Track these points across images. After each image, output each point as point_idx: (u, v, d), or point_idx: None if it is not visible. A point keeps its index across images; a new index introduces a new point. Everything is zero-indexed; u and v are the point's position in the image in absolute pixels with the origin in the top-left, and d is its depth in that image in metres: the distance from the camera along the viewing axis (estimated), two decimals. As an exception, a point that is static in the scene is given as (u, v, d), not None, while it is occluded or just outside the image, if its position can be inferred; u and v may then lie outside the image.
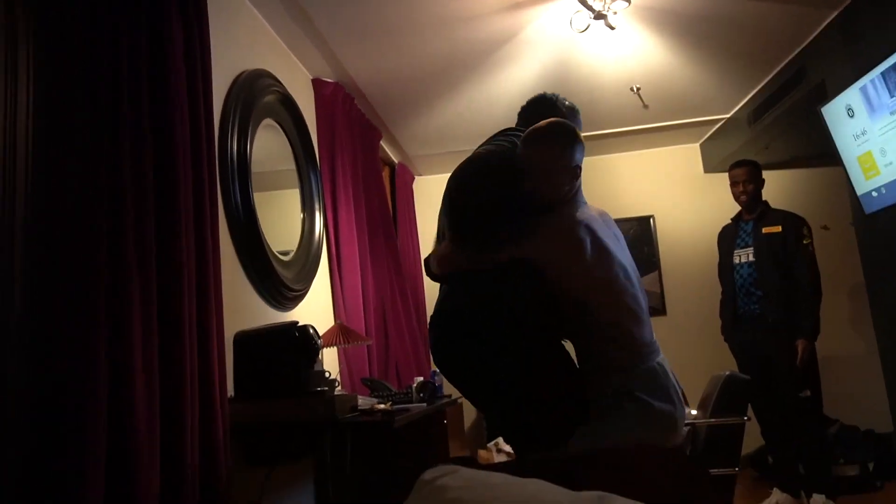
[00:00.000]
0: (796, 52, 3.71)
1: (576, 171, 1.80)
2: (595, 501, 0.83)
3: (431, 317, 1.93)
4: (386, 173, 4.75)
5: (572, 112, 2.06)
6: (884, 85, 2.86)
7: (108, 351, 1.45)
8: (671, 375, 1.84)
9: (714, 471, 2.89)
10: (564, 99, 2.08)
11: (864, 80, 2.97)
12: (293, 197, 3.10)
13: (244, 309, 2.42)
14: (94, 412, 1.37)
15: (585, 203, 1.87)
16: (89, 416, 1.36)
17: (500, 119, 4.29)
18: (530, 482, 0.91)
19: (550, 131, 1.81)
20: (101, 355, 1.43)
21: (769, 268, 3.71)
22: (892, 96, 2.83)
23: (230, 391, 2.03)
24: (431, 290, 5.11)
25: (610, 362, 1.77)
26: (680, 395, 1.83)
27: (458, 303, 1.84)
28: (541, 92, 2.11)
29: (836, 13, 3.29)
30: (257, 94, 2.65)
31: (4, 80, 1.43)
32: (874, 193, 3.11)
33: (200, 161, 1.89)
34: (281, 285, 2.65)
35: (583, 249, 1.72)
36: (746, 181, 3.86)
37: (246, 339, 2.11)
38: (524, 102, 2.13)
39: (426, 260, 2.00)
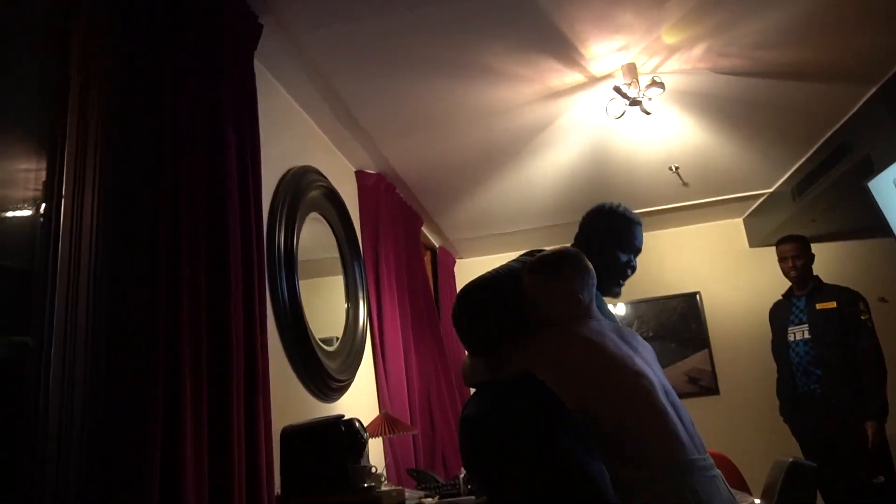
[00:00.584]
0: (837, 126, 3.70)
1: (577, 299, 1.79)
2: None
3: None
4: (427, 258, 4.81)
5: (626, 220, 2.04)
6: (931, 158, 2.82)
7: (161, 448, 1.46)
8: (720, 497, 1.57)
9: (785, 568, 2.70)
10: (621, 208, 2.06)
11: (911, 154, 2.93)
12: (337, 283, 3.15)
13: (290, 402, 2.43)
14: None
15: (599, 319, 1.83)
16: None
17: (539, 202, 4.39)
18: None
19: (551, 263, 1.85)
20: (155, 453, 1.44)
21: (827, 345, 3.58)
22: (941, 169, 2.78)
23: (277, 488, 2.01)
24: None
25: (619, 480, 1.61)
26: None
27: (473, 410, 1.85)
28: (601, 202, 2.11)
29: (875, 88, 3.29)
30: (303, 190, 2.75)
31: (72, 194, 1.52)
32: (932, 267, 3.01)
33: (250, 258, 1.95)
34: (326, 376, 2.66)
35: (574, 359, 1.69)
36: (795, 257, 3.79)
37: (292, 435, 2.10)
38: (584, 215, 2.14)
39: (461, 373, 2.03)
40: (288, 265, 2.52)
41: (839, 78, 3.17)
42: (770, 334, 4.04)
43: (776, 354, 3.95)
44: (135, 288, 1.54)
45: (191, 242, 1.70)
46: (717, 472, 1.64)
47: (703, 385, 5.14)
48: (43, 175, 1.54)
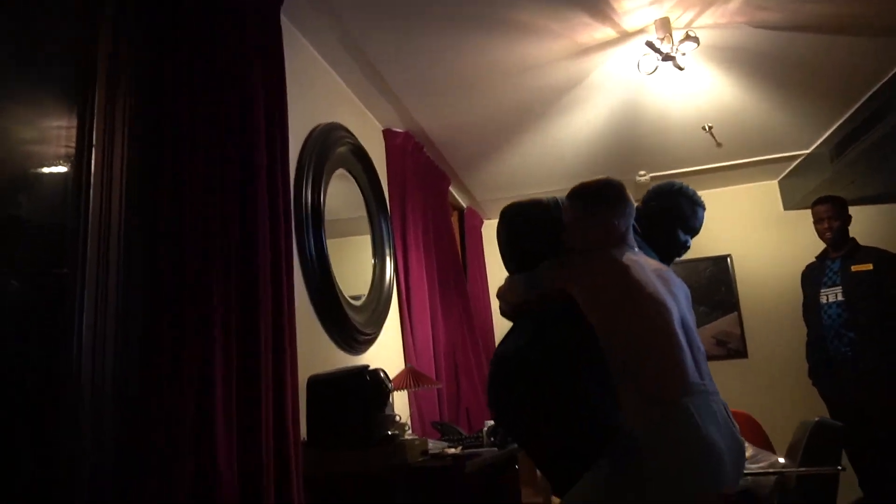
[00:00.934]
0: (879, 85, 3.57)
1: (612, 227, 1.84)
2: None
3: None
4: (455, 217, 4.82)
5: (692, 203, 2.09)
6: (977, 115, 2.71)
7: (194, 393, 1.52)
8: (715, 419, 1.63)
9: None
10: (689, 189, 2.10)
11: (955, 111, 2.82)
12: (365, 243, 3.18)
13: (317, 353, 2.49)
14: (180, 455, 1.44)
15: (634, 249, 1.87)
16: (175, 459, 1.42)
17: (568, 162, 4.35)
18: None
19: (590, 191, 1.90)
20: (188, 396, 1.50)
21: (861, 308, 3.52)
22: None
23: (303, 434, 2.08)
24: (502, 333, 5.10)
25: (626, 403, 1.67)
26: (719, 443, 1.60)
27: (506, 346, 1.94)
28: (669, 181, 2.17)
29: (920, 43, 3.16)
30: (331, 146, 2.77)
31: (102, 153, 1.56)
32: (973, 229, 2.92)
33: (277, 212, 1.98)
34: (353, 330, 2.71)
35: (610, 282, 1.73)
36: (831, 217, 3.71)
37: (319, 383, 2.16)
38: (649, 190, 2.19)
39: (497, 295, 2.12)
40: (315, 220, 2.56)
41: (881, 33, 3.04)
42: (801, 298, 3.99)
43: (807, 317, 3.90)
44: (165, 239, 1.59)
45: (221, 197, 1.73)
46: (720, 399, 1.69)
47: (732, 348, 5.11)
48: (74, 132, 1.57)
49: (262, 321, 1.80)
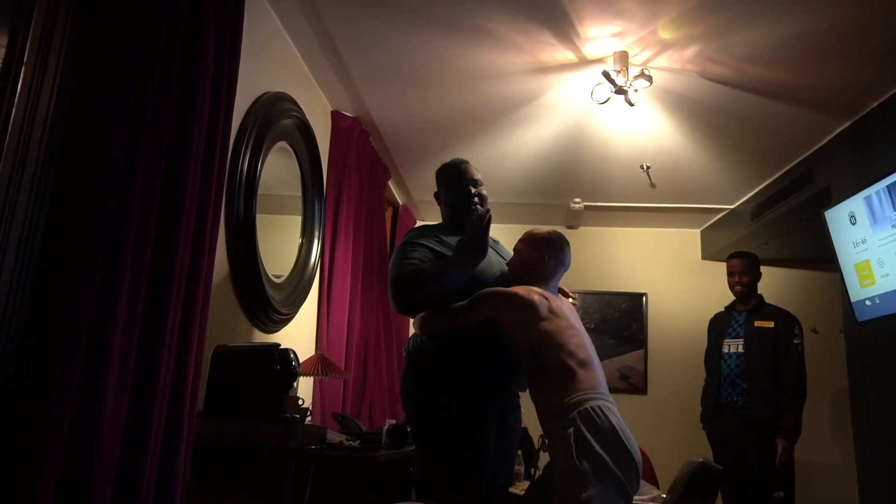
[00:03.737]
0: (805, 154, 3.79)
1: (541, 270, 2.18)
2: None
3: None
4: (389, 213, 4.78)
5: (457, 164, 2.45)
6: (888, 198, 2.91)
7: (87, 344, 1.43)
8: (613, 421, 1.98)
9: (677, 560, 2.82)
10: (448, 160, 2.49)
11: (870, 191, 3.02)
12: (295, 223, 3.10)
13: (227, 325, 2.40)
14: (62, 403, 1.34)
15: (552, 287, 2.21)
16: (55, 406, 1.33)
17: (510, 177, 4.39)
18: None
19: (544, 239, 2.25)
20: (81, 347, 1.41)
21: (758, 361, 3.70)
22: (895, 210, 2.88)
23: (200, 405, 1.99)
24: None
25: (560, 401, 1.96)
26: (621, 442, 1.97)
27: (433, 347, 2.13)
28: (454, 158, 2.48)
29: (848, 123, 3.38)
30: (276, 116, 2.69)
31: (32, 74, 1.45)
32: (868, 302, 3.13)
33: (211, 171, 1.90)
34: (269, 307, 2.63)
35: (536, 308, 2.03)
36: (743, 273, 3.89)
37: (225, 355, 2.08)
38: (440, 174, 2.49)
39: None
40: (248, 190, 2.47)
41: (816, 106, 3.24)
42: (705, 344, 4.16)
43: (708, 363, 4.07)
44: (86, 177, 1.49)
45: (151, 144, 1.65)
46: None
47: (633, 383, 5.28)
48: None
49: (175, 281, 1.72)
